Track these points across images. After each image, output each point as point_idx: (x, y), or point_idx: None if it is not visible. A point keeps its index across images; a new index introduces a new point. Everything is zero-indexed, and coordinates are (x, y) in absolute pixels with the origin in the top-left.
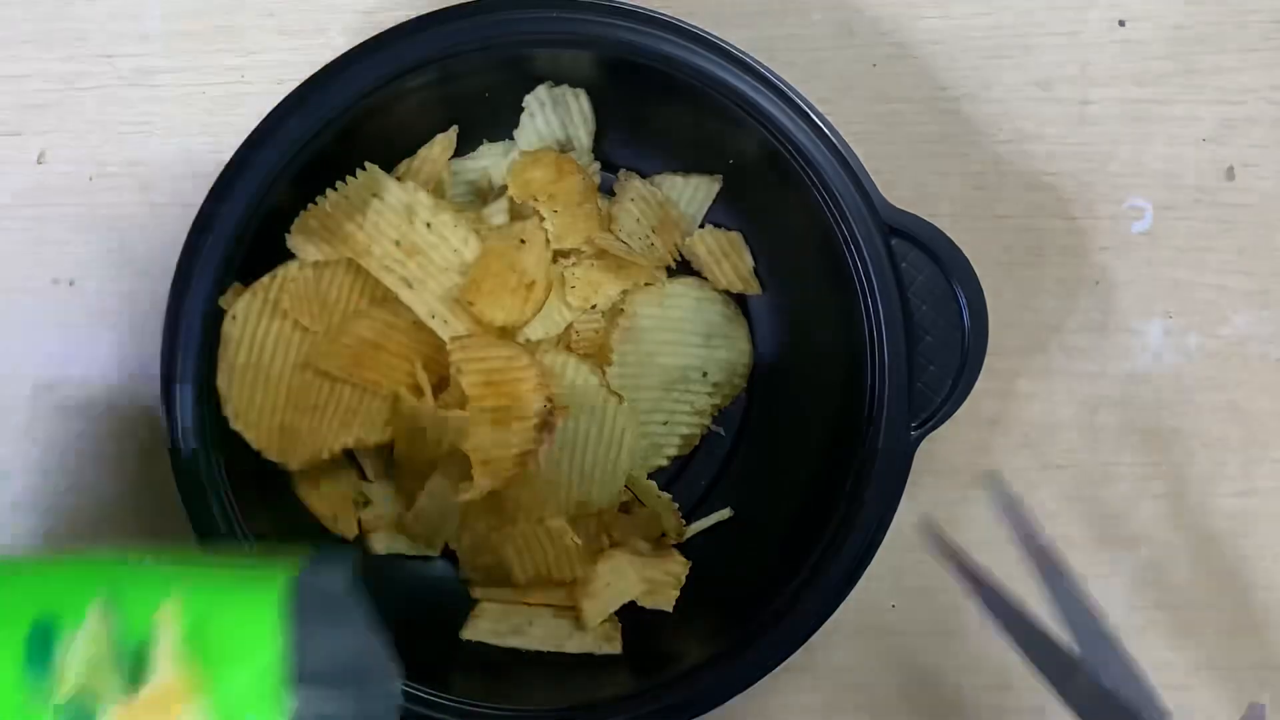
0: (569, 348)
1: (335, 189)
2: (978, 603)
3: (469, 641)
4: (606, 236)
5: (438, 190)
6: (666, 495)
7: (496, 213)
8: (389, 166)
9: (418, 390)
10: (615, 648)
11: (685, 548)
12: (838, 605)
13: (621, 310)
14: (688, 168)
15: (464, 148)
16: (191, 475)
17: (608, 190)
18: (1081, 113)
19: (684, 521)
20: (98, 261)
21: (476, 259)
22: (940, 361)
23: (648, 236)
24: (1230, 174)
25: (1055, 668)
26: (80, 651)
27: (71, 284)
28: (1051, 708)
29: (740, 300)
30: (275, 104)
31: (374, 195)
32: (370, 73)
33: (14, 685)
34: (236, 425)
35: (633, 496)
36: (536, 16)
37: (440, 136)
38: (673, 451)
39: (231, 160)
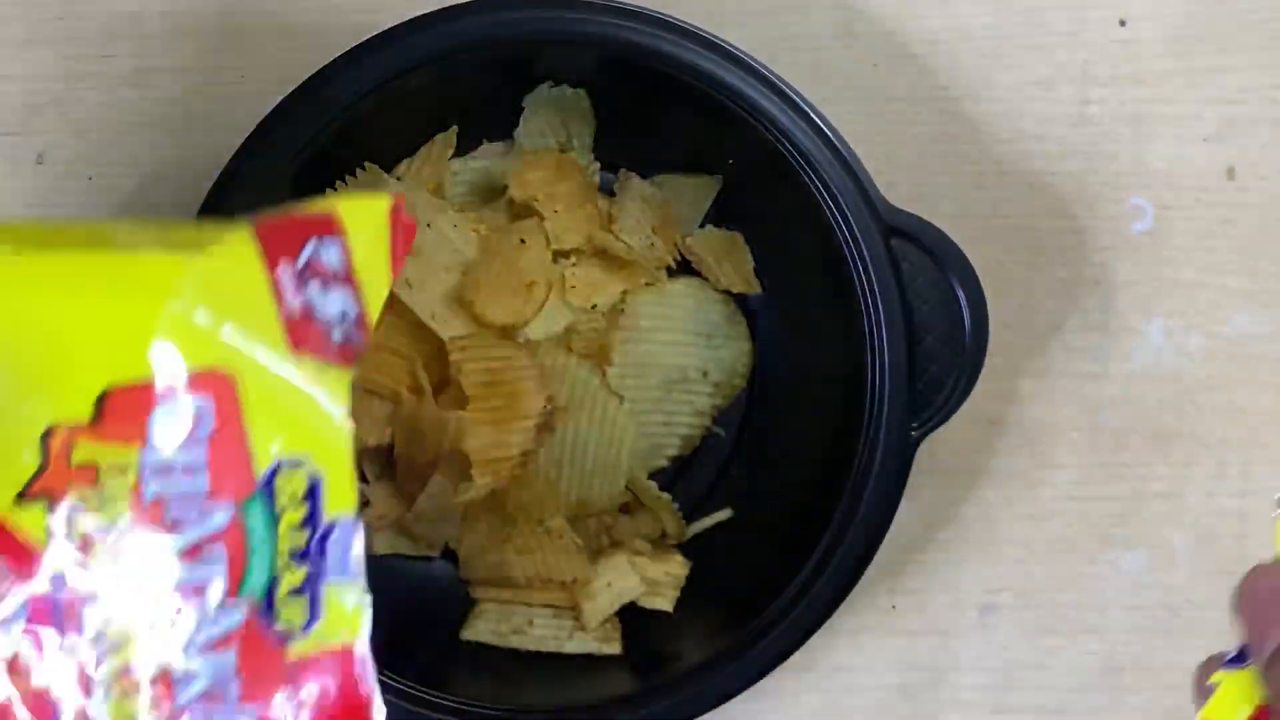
0: (569, 348)
1: (335, 189)
2: None
3: (469, 642)
4: (606, 236)
5: (438, 190)
6: (667, 496)
7: (496, 213)
8: (389, 166)
9: (418, 390)
10: (615, 648)
11: (685, 548)
12: (838, 606)
13: (622, 310)
14: (688, 168)
15: (464, 148)
16: None
17: (608, 190)
18: (1082, 112)
19: (684, 522)
20: None
21: (476, 259)
22: (941, 362)
23: (648, 236)
24: (1231, 174)
25: None
26: None
27: None
28: (1053, 709)
29: (740, 300)
30: (275, 103)
31: None
32: (370, 73)
33: None
34: None
35: (633, 497)
36: (537, 16)
37: (440, 136)
38: (673, 452)
39: (230, 160)
